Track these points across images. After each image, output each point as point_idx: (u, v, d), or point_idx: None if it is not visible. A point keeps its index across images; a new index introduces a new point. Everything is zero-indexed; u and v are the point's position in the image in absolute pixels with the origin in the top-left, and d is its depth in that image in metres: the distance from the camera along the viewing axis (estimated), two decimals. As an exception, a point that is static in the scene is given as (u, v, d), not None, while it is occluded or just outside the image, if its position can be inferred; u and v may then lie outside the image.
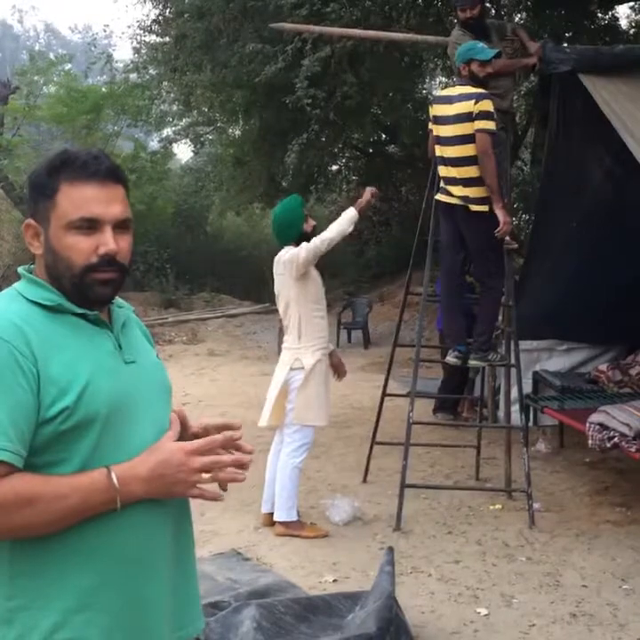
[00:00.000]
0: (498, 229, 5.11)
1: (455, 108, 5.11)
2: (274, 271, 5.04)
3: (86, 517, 1.50)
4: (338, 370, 5.19)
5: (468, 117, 5.02)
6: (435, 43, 7.31)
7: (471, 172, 5.11)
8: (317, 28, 7.66)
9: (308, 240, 4.89)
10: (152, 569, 1.60)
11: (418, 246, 6.24)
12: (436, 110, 5.30)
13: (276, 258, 5.01)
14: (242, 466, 1.64)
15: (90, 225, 1.58)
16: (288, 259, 4.88)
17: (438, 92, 5.54)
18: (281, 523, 4.87)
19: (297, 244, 4.91)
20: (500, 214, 5.10)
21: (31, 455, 1.49)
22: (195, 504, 1.69)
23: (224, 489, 1.67)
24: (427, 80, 16.60)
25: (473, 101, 5.00)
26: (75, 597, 1.51)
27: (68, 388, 1.51)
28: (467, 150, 5.08)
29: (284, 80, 9.64)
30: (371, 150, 18.36)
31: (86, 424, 1.52)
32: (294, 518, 4.89)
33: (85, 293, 1.60)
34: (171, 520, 1.65)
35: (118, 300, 1.75)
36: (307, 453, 4.98)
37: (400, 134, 16.14)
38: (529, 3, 10.73)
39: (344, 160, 18.68)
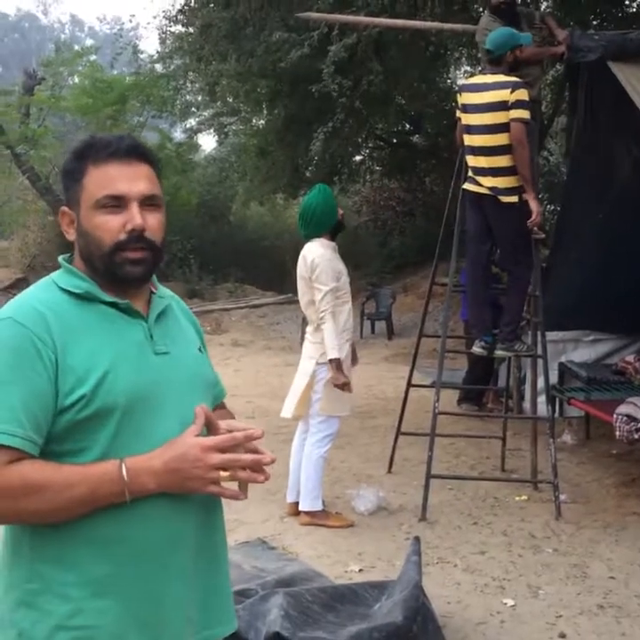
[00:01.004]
0: (530, 220, 5.08)
1: (488, 96, 5.04)
2: (298, 265, 4.96)
3: (99, 507, 1.50)
4: (351, 360, 5.14)
5: (501, 106, 4.97)
6: (462, 31, 7.27)
7: (501, 161, 5.06)
8: (343, 17, 7.64)
9: (341, 228, 5.03)
10: (171, 563, 1.58)
11: (443, 237, 6.21)
12: (466, 98, 5.24)
13: (303, 254, 4.91)
14: (261, 468, 1.61)
15: (116, 202, 1.58)
16: (312, 270, 4.80)
17: (467, 80, 5.45)
18: (306, 512, 4.89)
19: (332, 234, 4.92)
20: (532, 204, 5.07)
21: (51, 443, 1.50)
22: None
23: (244, 495, 1.62)
24: (451, 69, 16.50)
25: (509, 90, 4.95)
26: (89, 586, 1.51)
27: (85, 376, 1.50)
28: (498, 139, 5.03)
29: (308, 69, 9.64)
30: (395, 140, 18.30)
31: (105, 413, 1.51)
32: (319, 508, 4.90)
33: (116, 273, 1.60)
34: (193, 516, 1.62)
35: (161, 288, 1.74)
36: (331, 443, 4.98)
37: (424, 124, 16.08)
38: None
39: (368, 150, 18.63)
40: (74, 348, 1.51)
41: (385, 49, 9.94)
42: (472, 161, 5.26)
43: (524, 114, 4.96)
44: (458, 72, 17.32)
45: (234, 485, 1.63)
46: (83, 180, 1.59)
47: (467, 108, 5.23)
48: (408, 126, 17.89)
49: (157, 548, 1.56)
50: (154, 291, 1.72)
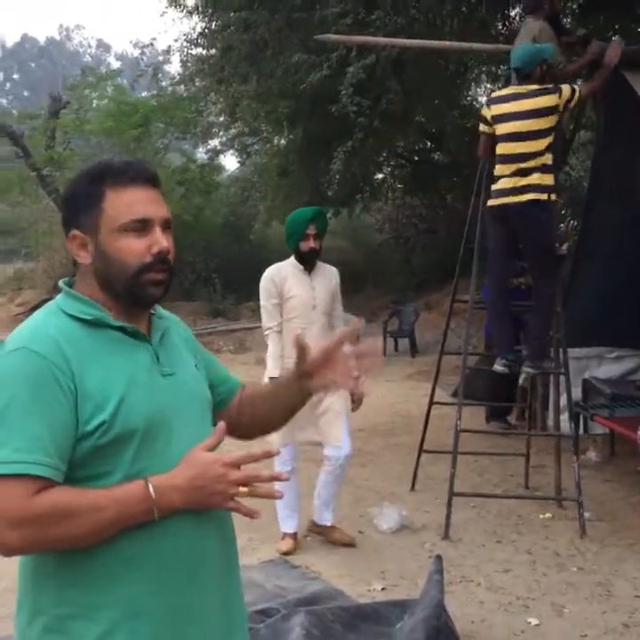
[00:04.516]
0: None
1: (528, 103, 5.12)
2: None
3: (127, 528, 1.51)
4: None
5: (549, 111, 5.07)
6: (493, 50, 7.39)
7: (540, 161, 5.10)
8: (361, 39, 7.67)
9: (303, 259, 4.77)
10: (198, 578, 1.60)
11: (464, 254, 6.21)
12: (498, 110, 5.29)
13: None
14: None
15: (141, 226, 1.61)
16: None
17: (495, 94, 5.48)
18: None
19: (297, 257, 4.79)
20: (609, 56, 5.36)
21: (72, 469, 1.51)
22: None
23: (258, 514, 1.61)
24: (472, 86, 16.53)
25: (556, 95, 5.09)
26: (121, 606, 1.52)
27: (103, 403, 1.52)
28: (538, 145, 5.09)
29: (328, 89, 9.70)
30: (416, 158, 18.33)
31: (125, 438, 1.53)
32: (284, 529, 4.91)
33: (138, 295, 1.62)
34: (215, 531, 1.66)
35: (159, 310, 1.77)
36: (288, 467, 4.63)
37: (445, 142, 16.09)
38: (574, 6, 10.62)
39: (389, 169, 18.67)
40: (89, 375, 1.53)
41: (404, 68, 9.97)
42: (505, 168, 5.22)
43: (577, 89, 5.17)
44: (478, 89, 17.36)
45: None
46: (101, 204, 1.61)
47: (499, 119, 5.28)
48: (429, 144, 17.92)
49: (185, 562, 1.58)
50: (153, 312, 1.74)
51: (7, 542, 1.45)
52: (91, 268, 1.64)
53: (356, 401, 4.81)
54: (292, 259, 4.82)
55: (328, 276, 4.89)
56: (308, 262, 4.79)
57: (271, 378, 4.56)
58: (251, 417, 1.91)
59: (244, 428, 1.92)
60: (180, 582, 1.57)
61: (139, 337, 1.65)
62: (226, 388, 1.91)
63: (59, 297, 1.66)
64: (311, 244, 4.71)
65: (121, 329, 1.63)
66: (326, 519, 4.97)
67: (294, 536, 4.91)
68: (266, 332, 4.77)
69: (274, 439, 4.45)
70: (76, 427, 1.50)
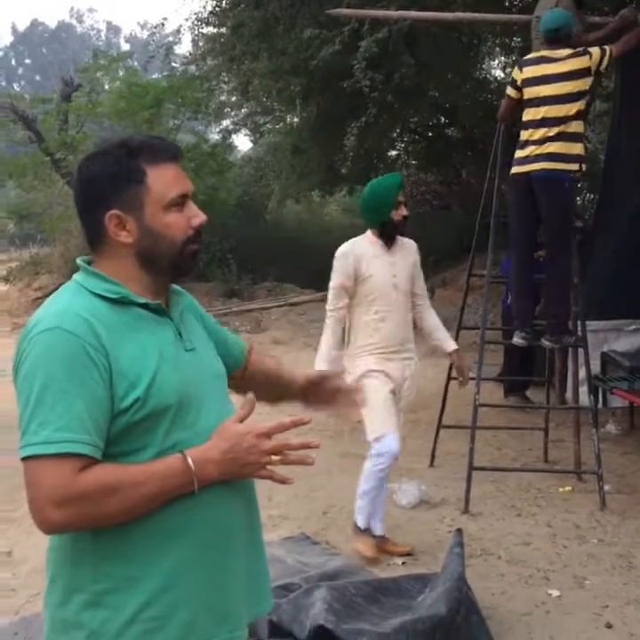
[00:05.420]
0: None
1: (565, 65, 5.07)
2: None
3: (166, 501, 1.54)
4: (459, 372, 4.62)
5: (581, 74, 5.03)
6: (507, 21, 7.31)
7: (570, 127, 5.05)
8: (374, 12, 7.63)
9: (394, 230, 4.29)
10: (230, 548, 1.65)
11: (480, 228, 6.17)
12: (531, 72, 5.21)
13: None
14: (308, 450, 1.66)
15: (182, 201, 1.66)
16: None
17: (529, 56, 5.39)
18: (355, 525, 4.39)
19: (381, 230, 4.29)
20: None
21: (107, 446, 1.53)
22: (263, 489, 1.72)
23: (291, 479, 1.66)
24: (485, 60, 16.35)
25: (586, 57, 5.04)
26: (159, 579, 1.55)
27: (137, 379, 1.54)
28: (570, 108, 5.05)
29: (340, 65, 9.62)
30: (429, 134, 18.19)
31: (158, 413, 1.55)
32: (362, 526, 4.32)
33: (182, 268, 1.68)
34: (243, 501, 1.69)
35: (175, 287, 1.78)
36: (384, 465, 4.25)
37: (459, 116, 15.94)
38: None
39: (403, 145, 18.54)
40: (120, 352, 1.54)
41: (416, 42, 9.88)
42: (532, 133, 5.15)
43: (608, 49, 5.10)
44: (492, 63, 17.18)
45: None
46: (145, 180, 1.61)
47: (532, 82, 5.19)
48: (443, 119, 17.76)
49: (218, 533, 1.62)
50: (169, 289, 1.75)
51: (51, 520, 1.47)
52: (131, 248, 1.63)
53: (463, 374, 4.58)
54: (369, 234, 4.34)
55: (407, 250, 4.44)
56: (392, 235, 4.31)
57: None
58: (247, 388, 1.91)
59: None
60: (213, 552, 1.61)
61: (162, 313, 1.67)
62: (233, 357, 1.97)
63: (78, 276, 1.66)
64: (403, 211, 4.29)
65: (145, 306, 1.64)
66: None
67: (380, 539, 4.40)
68: (328, 315, 4.32)
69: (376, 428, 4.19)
70: (112, 404, 1.52)
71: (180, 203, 1.64)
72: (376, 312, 4.24)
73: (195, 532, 1.59)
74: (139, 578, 1.54)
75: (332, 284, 4.28)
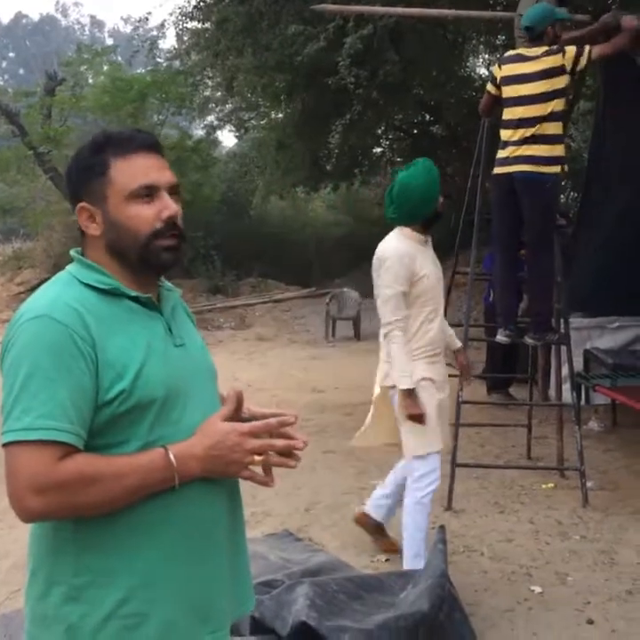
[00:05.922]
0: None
1: (539, 63, 5.02)
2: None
3: (146, 495, 1.54)
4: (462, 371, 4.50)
5: (556, 72, 4.97)
6: (489, 18, 7.28)
7: (548, 129, 5.01)
8: (358, 8, 7.62)
9: (438, 219, 4.02)
10: (212, 544, 1.64)
11: (464, 225, 6.17)
12: (509, 70, 5.17)
13: (380, 244, 4.00)
14: (293, 453, 1.66)
15: (149, 192, 1.61)
16: (379, 266, 3.93)
17: (508, 53, 5.35)
18: None
19: (425, 225, 3.98)
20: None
21: (91, 437, 1.52)
22: (246, 486, 1.70)
23: (273, 481, 1.66)
24: (470, 58, 16.38)
25: (559, 55, 4.98)
26: (139, 573, 1.54)
27: (123, 371, 1.53)
28: (547, 107, 4.99)
29: (325, 62, 9.62)
30: (414, 131, 18.20)
31: (143, 406, 1.54)
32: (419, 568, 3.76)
33: (151, 262, 1.63)
34: (226, 498, 1.69)
35: (166, 283, 1.77)
36: (434, 485, 3.94)
37: (444, 114, 15.96)
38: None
39: (387, 142, 18.54)
40: (108, 344, 1.54)
41: (401, 38, 9.88)
42: (511, 134, 5.11)
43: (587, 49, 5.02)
44: (476, 60, 17.20)
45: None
46: (108, 172, 1.61)
47: (509, 80, 5.15)
48: (427, 116, 17.78)
49: (200, 529, 1.61)
50: (160, 284, 1.74)
51: (30, 508, 1.47)
52: (101, 240, 1.64)
53: (466, 373, 4.54)
54: (406, 231, 3.94)
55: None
56: (429, 229, 4.02)
57: (405, 390, 3.78)
58: None
59: None
60: (195, 549, 1.60)
61: (152, 307, 1.66)
62: None
63: (71, 267, 1.66)
64: (441, 201, 4.02)
65: (136, 299, 1.63)
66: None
67: None
68: (388, 329, 3.83)
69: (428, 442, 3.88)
70: (97, 394, 1.52)
71: (145, 194, 1.61)
72: (428, 313, 3.91)
73: (176, 528, 1.58)
74: (118, 571, 1.53)
75: (389, 292, 3.81)
